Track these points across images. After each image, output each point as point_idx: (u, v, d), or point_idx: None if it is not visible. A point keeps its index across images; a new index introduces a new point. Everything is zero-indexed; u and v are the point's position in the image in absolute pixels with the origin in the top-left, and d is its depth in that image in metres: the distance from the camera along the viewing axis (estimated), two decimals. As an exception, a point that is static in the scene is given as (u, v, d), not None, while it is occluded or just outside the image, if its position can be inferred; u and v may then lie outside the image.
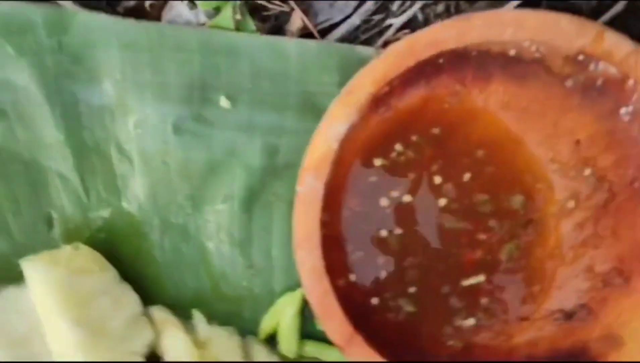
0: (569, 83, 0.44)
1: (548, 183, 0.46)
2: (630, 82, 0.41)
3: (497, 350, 0.46)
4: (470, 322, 0.46)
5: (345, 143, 0.40)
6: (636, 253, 0.44)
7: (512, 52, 0.41)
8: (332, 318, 0.42)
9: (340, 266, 0.46)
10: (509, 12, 0.42)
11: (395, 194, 0.47)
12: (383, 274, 0.47)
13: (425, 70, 0.41)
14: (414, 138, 0.46)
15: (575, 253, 0.46)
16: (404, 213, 0.47)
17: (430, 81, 0.42)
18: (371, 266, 0.47)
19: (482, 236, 0.46)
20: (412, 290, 0.47)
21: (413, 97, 0.43)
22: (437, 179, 0.47)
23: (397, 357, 0.43)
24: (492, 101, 0.45)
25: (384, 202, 0.47)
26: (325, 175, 0.40)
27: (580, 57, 0.41)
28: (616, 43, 0.40)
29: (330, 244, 0.42)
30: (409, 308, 0.47)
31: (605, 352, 0.43)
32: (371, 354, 0.42)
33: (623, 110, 0.43)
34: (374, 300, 0.46)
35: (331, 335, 0.41)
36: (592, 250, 0.46)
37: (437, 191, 0.47)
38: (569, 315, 0.45)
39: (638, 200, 0.44)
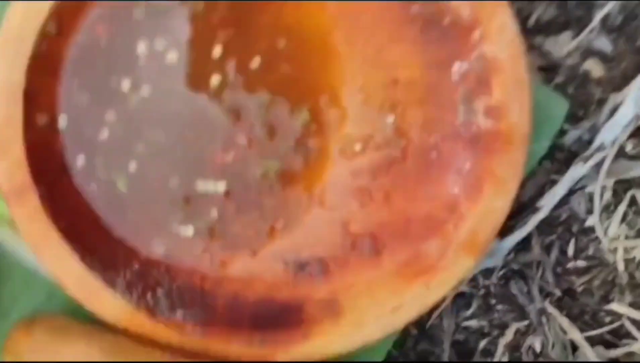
0: (414, 9, 0.36)
1: (343, 112, 0.38)
2: (476, 34, 0.35)
3: (203, 275, 0.37)
4: (188, 231, 0.37)
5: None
6: (399, 229, 0.38)
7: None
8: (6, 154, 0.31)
9: (50, 97, 0.34)
10: None
11: (159, 45, 0.36)
12: (105, 133, 0.36)
13: None
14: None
15: (338, 201, 0.38)
16: (161, 71, 0.36)
17: None
18: (93, 117, 0.36)
19: (243, 140, 0.37)
20: (132, 167, 0.36)
21: None
22: (218, 51, 0.36)
23: (75, 239, 0.33)
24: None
25: (141, 48, 0.36)
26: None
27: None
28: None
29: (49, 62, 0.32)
30: (121, 186, 0.36)
31: (319, 318, 0.37)
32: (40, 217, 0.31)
33: (456, 66, 0.37)
34: (80, 159, 0.35)
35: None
36: (356, 205, 0.38)
37: (213, 63, 0.36)
38: (300, 266, 0.38)
39: (426, 173, 0.37)
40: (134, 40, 0.35)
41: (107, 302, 0.34)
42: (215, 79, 0.37)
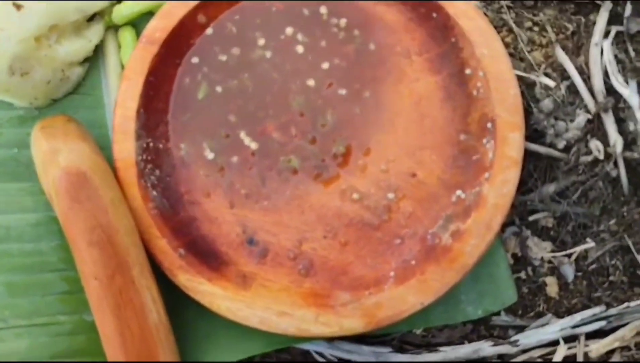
0: (463, 137, 0.45)
1: (365, 166, 0.47)
2: (485, 175, 0.44)
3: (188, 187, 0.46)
4: (210, 155, 0.47)
5: None
6: (334, 271, 0.45)
7: None
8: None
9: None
10: None
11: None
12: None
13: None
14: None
15: (313, 221, 0.46)
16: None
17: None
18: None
19: (294, 131, 0.47)
20: (218, 89, 0.48)
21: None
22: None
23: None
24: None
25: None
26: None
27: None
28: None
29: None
30: (201, 94, 0.48)
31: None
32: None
33: (459, 192, 0.45)
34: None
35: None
36: (321, 234, 0.46)
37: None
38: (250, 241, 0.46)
39: (383, 248, 0.46)
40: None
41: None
42: (310, 82, 0.48)
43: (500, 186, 0.43)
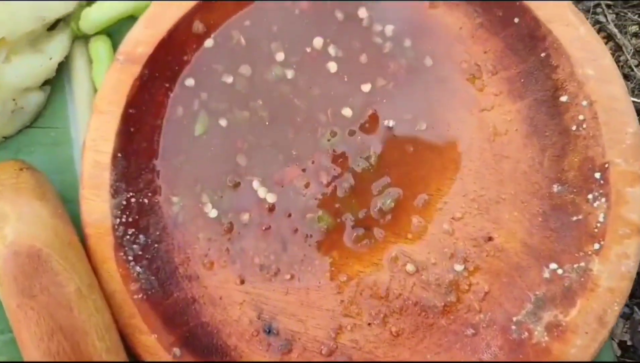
0: (555, 187, 0.33)
1: (423, 227, 0.35)
2: (595, 246, 0.32)
3: (187, 256, 0.34)
4: (212, 212, 0.35)
5: None
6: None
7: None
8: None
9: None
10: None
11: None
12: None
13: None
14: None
15: (347, 300, 0.34)
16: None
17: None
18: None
19: (325, 178, 0.35)
20: (223, 121, 0.35)
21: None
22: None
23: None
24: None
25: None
26: None
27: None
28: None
29: None
30: (198, 128, 0.35)
31: None
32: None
33: (554, 265, 0.32)
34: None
35: None
36: (363, 316, 0.34)
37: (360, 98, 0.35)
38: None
39: (448, 343, 0.33)
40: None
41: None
42: (346, 111, 0.36)
43: (616, 263, 0.31)
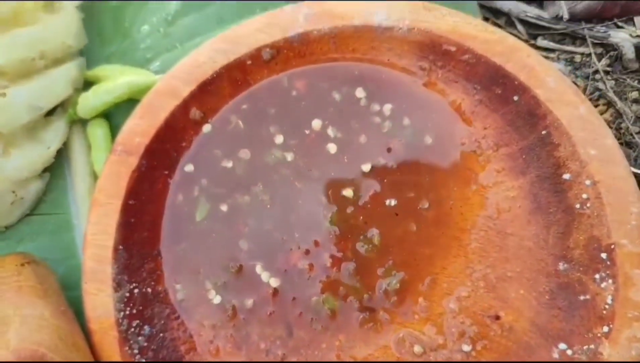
0: (561, 266, 0.32)
1: (429, 308, 0.35)
2: (604, 328, 0.31)
3: (192, 344, 0.34)
4: (215, 298, 0.34)
5: None
6: None
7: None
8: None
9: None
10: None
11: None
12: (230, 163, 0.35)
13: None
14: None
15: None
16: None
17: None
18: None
19: (327, 261, 0.35)
20: (224, 207, 0.35)
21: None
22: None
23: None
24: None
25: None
26: None
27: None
28: None
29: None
30: (199, 214, 0.35)
31: None
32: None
33: (562, 346, 0.32)
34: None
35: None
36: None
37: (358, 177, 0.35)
38: None
39: None
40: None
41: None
42: (347, 192, 0.35)
43: (626, 347, 0.30)
